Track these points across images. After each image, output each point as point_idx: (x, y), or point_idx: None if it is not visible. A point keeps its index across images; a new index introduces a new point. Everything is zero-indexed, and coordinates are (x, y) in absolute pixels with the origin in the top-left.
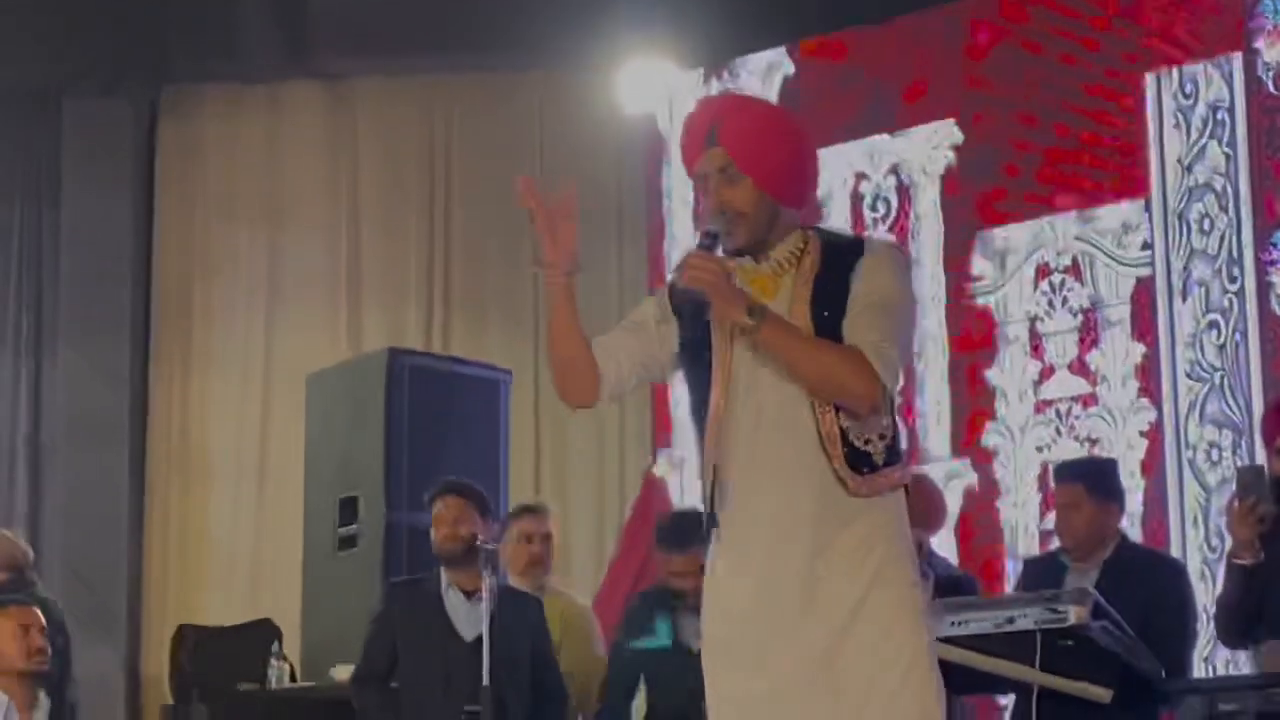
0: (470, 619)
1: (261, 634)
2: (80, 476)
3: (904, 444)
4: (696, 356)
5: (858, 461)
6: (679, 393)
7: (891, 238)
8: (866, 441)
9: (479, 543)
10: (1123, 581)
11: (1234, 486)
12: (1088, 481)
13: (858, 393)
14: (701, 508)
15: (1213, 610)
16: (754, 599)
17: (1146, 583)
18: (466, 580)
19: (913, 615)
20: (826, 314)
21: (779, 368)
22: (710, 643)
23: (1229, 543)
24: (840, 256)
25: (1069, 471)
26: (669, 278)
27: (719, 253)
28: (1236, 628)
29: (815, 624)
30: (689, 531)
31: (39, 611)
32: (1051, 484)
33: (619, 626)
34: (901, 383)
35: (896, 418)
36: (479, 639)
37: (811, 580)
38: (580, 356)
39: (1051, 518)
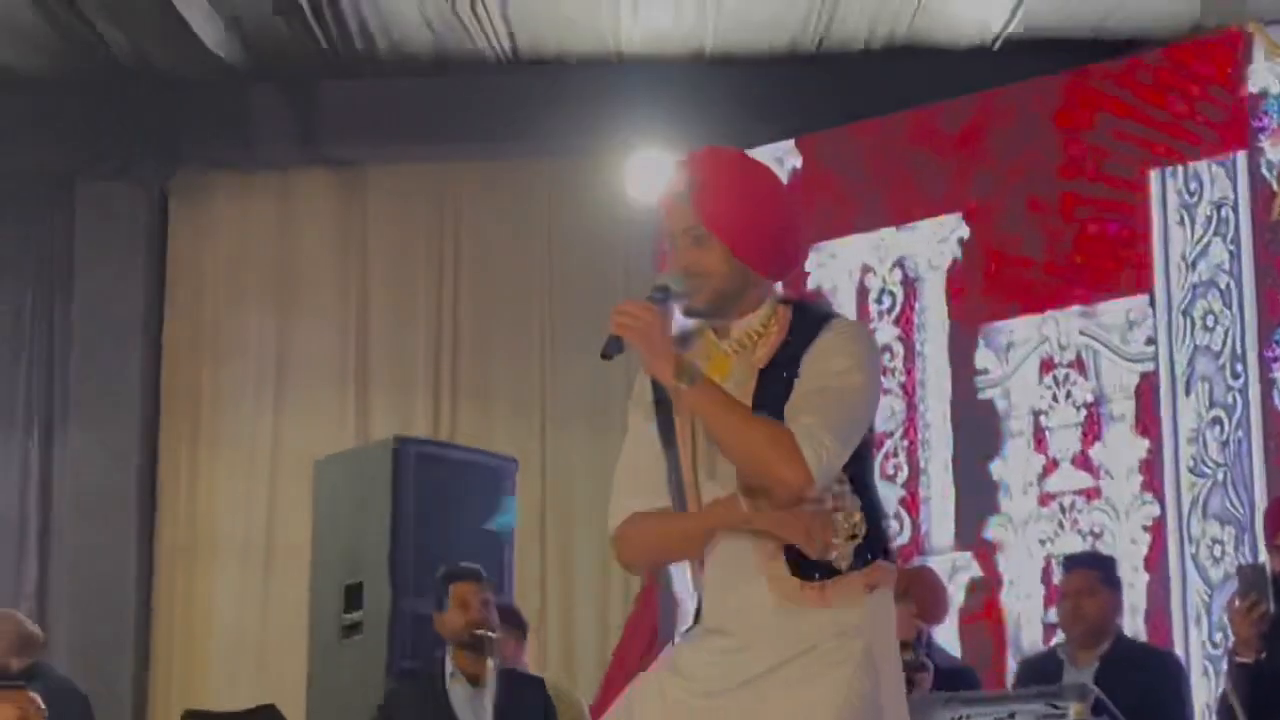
0: (475, 708)
1: (266, 719)
2: (87, 557)
3: (888, 541)
4: (666, 439)
5: (809, 569)
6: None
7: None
8: (825, 548)
9: (490, 629)
10: (1121, 676)
11: (1235, 584)
12: (1101, 570)
13: (782, 477)
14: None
15: (1215, 707)
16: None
17: (1144, 678)
18: (471, 666)
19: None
20: (771, 394)
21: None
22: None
23: (1231, 639)
24: (803, 333)
25: (1082, 560)
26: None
27: (672, 311)
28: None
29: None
30: None
31: (38, 697)
32: (1058, 575)
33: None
34: (902, 462)
35: (874, 513)
36: None
37: (762, 672)
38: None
39: (1055, 610)
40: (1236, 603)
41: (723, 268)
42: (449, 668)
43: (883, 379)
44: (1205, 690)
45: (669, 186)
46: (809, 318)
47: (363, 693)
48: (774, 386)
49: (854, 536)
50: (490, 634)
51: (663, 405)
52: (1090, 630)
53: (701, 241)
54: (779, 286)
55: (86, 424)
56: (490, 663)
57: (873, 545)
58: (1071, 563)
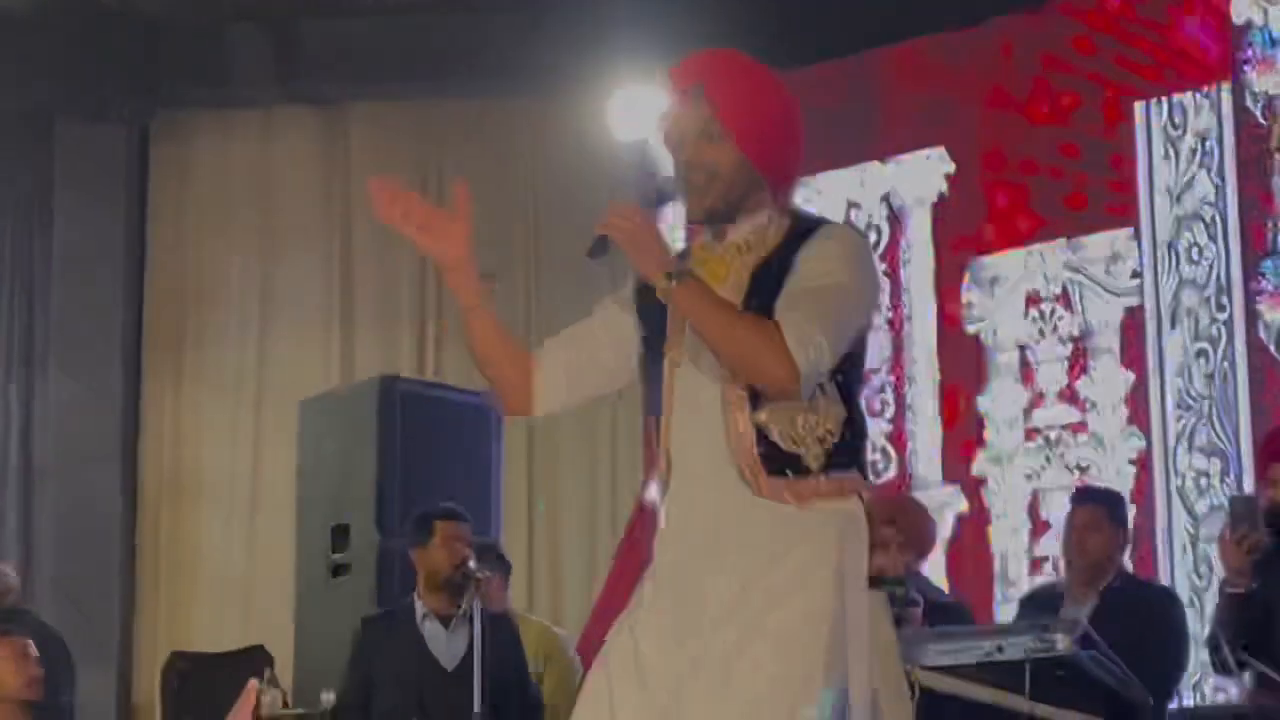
0: (450, 647)
1: (253, 661)
2: (72, 499)
3: (863, 455)
4: (653, 352)
5: (778, 464)
6: None
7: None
8: (795, 443)
9: (473, 569)
10: (1120, 610)
11: (1225, 516)
12: (1109, 506)
13: (770, 373)
14: None
15: (1205, 638)
16: (660, 604)
17: (1142, 611)
18: (443, 607)
19: (812, 642)
20: (763, 293)
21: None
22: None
23: (1217, 571)
24: (797, 237)
25: (1091, 495)
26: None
27: (669, 212)
28: (1228, 656)
29: (704, 650)
30: None
31: (32, 642)
32: (1044, 507)
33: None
34: (889, 397)
35: (853, 424)
36: (459, 668)
37: (711, 608)
38: (506, 375)
39: (1042, 543)
40: (1227, 534)
41: (732, 166)
42: (419, 608)
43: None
44: (1191, 620)
45: (674, 84)
46: (805, 223)
47: (350, 633)
48: (767, 286)
49: (823, 440)
50: (478, 573)
51: (651, 305)
52: (1092, 565)
53: (715, 138)
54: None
55: (69, 365)
56: (463, 602)
57: (846, 454)
58: (1080, 497)
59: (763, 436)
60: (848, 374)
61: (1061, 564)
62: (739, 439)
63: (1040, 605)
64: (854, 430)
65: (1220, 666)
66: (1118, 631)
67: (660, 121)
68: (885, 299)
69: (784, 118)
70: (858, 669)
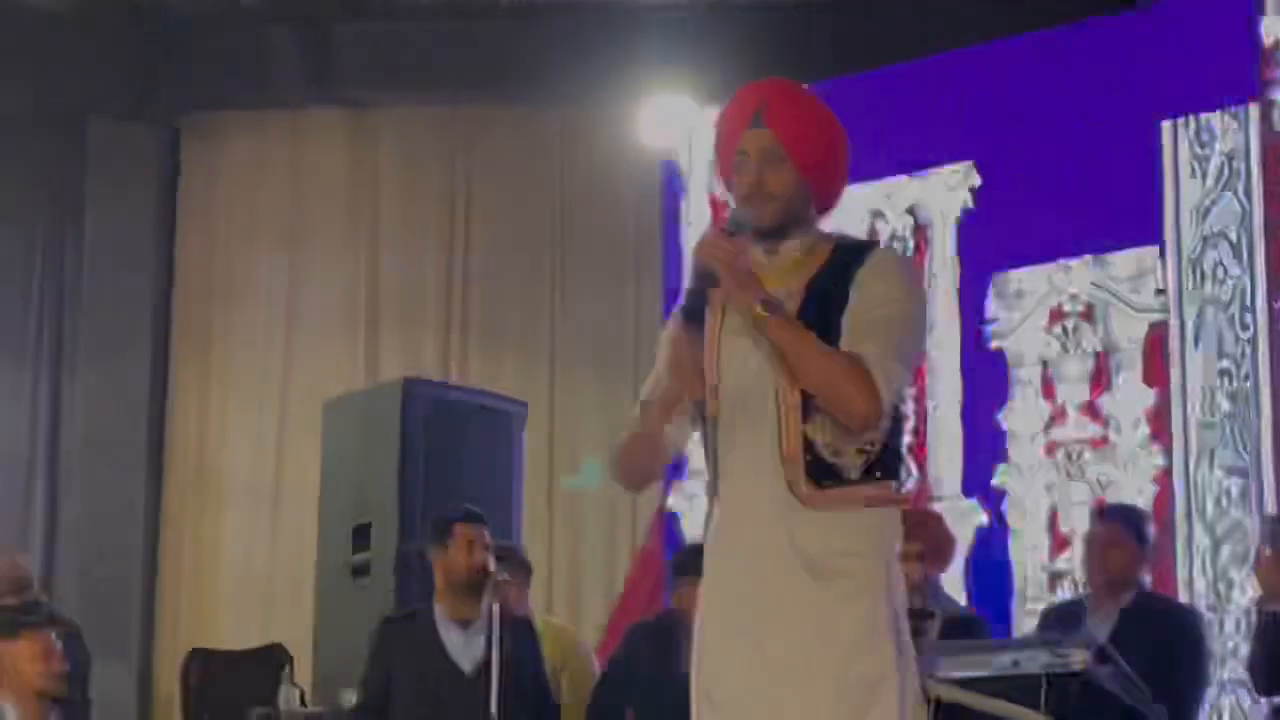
0: (468, 650)
1: (273, 659)
2: (96, 496)
3: (901, 466)
4: (694, 343)
5: (820, 473)
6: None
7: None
8: (836, 454)
9: (492, 572)
10: (1142, 627)
11: (1263, 534)
12: (1131, 522)
13: (856, 406)
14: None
15: (1245, 658)
16: (719, 610)
17: (1164, 629)
18: (463, 610)
19: (873, 634)
20: (816, 310)
21: (768, 366)
22: (700, 624)
23: (1237, 589)
24: (847, 259)
25: (1113, 511)
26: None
27: (748, 241)
28: (1266, 675)
29: (775, 626)
30: (699, 564)
31: (54, 636)
32: (1064, 525)
33: (614, 653)
34: (909, 410)
35: (893, 436)
36: (477, 670)
37: (779, 591)
38: (656, 466)
39: (1062, 559)
40: (1265, 553)
41: (792, 189)
42: (439, 610)
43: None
44: (1211, 639)
45: (736, 111)
46: (851, 244)
47: (370, 633)
48: (821, 302)
49: (864, 452)
50: (497, 576)
51: (693, 319)
52: (1112, 582)
53: (777, 163)
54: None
55: (97, 363)
56: (482, 605)
57: (883, 465)
58: (1102, 514)
59: (809, 447)
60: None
61: (1082, 580)
62: (789, 450)
63: (1061, 621)
64: (894, 442)
65: (1262, 688)
66: (1139, 648)
67: (719, 144)
68: None
69: (838, 146)
70: (911, 675)
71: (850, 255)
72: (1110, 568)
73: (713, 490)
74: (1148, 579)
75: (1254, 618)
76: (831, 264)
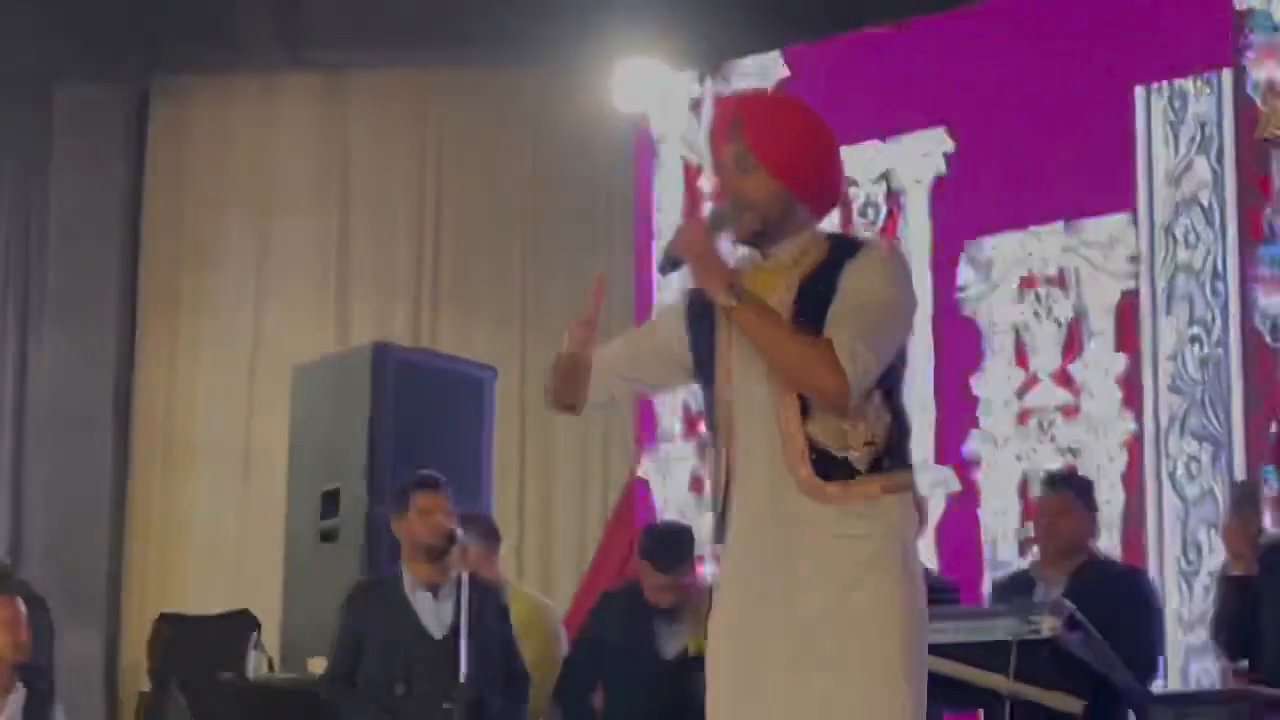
0: (438, 616)
1: (241, 624)
2: (63, 461)
3: (908, 454)
4: (705, 352)
5: (830, 469)
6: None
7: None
8: (845, 448)
9: (458, 538)
10: (1090, 594)
11: (1229, 501)
12: (1079, 491)
13: (823, 386)
14: (683, 520)
15: (1210, 622)
16: (741, 597)
17: (1113, 592)
18: (431, 576)
19: (887, 624)
20: (809, 308)
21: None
22: (712, 626)
23: (1204, 555)
24: (838, 257)
25: (1061, 480)
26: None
27: (724, 237)
28: (1235, 638)
29: (789, 623)
30: (676, 554)
31: (21, 603)
32: (1035, 492)
33: (583, 624)
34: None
35: (898, 426)
36: (448, 635)
37: (793, 583)
38: (574, 388)
39: (1032, 525)
40: (1232, 518)
41: (767, 194)
42: (406, 577)
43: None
44: (1179, 605)
45: (716, 120)
46: (845, 242)
47: (338, 599)
48: (812, 301)
49: (870, 443)
50: (455, 541)
51: (701, 319)
52: (1062, 549)
53: (748, 169)
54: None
55: (64, 328)
56: (451, 570)
57: (892, 454)
58: (1050, 482)
59: (813, 444)
60: (892, 383)
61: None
62: (792, 446)
63: (1012, 590)
64: (899, 434)
65: (1227, 651)
66: (1090, 613)
67: (711, 154)
68: None
69: (815, 147)
70: (923, 652)
71: (842, 253)
72: (1060, 535)
73: (723, 492)
74: (1116, 547)
75: (1219, 582)
76: (824, 263)
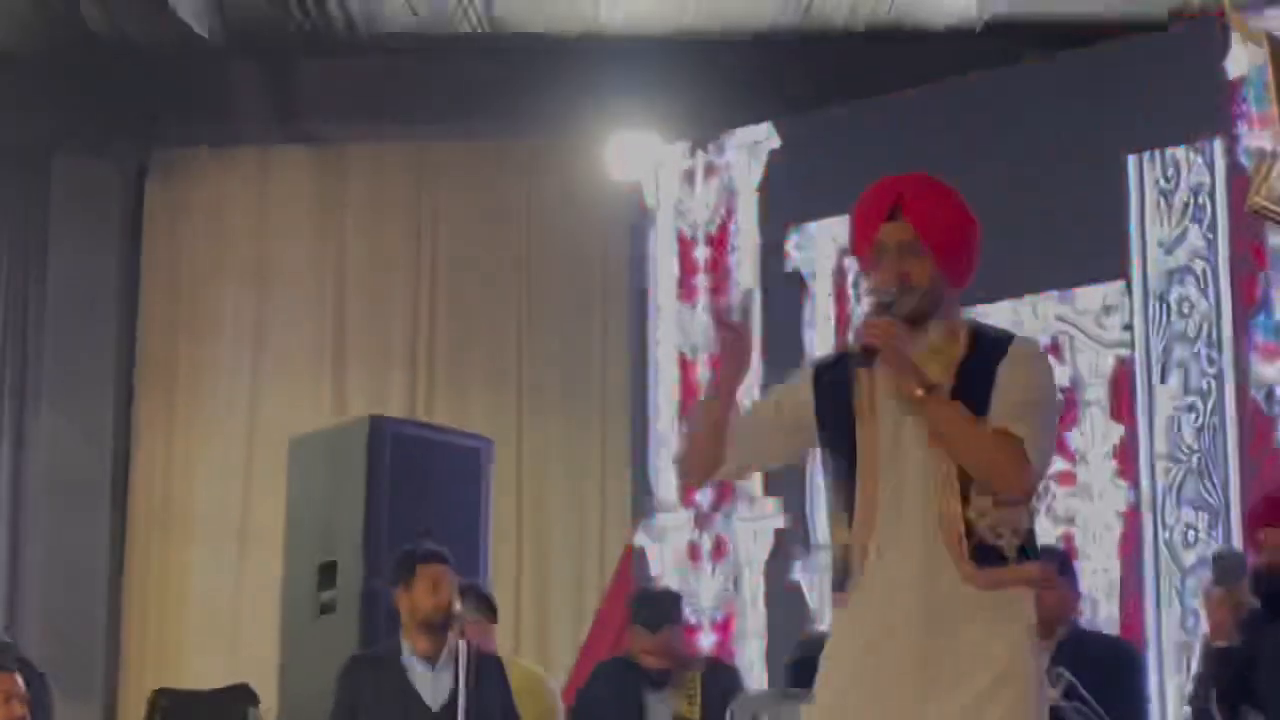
0: (436, 687)
1: (239, 698)
2: (60, 535)
3: (1035, 543)
4: (839, 438)
5: (983, 555)
6: (663, 464)
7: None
8: (998, 535)
9: (456, 611)
10: (1076, 664)
11: (1211, 571)
12: (1058, 563)
13: (1010, 479)
14: (674, 588)
15: (1188, 691)
16: (872, 677)
17: (1100, 666)
18: (429, 647)
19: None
20: (968, 397)
21: (924, 448)
22: (825, 706)
23: (1203, 624)
24: (988, 348)
25: (1045, 554)
26: (811, 358)
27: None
28: (1209, 710)
29: (929, 710)
30: (663, 612)
31: (19, 678)
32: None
33: (579, 691)
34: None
35: (1033, 518)
36: (445, 707)
37: (928, 670)
38: (714, 451)
39: None
40: (1213, 590)
41: (929, 279)
42: (405, 648)
43: None
44: (1177, 674)
45: (872, 205)
46: (990, 332)
47: (336, 671)
48: (971, 391)
49: (1017, 533)
50: (463, 615)
51: (836, 386)
52: (1047, 621)
53: (916, 254)
54: None
55: (60, 401)
56: (450, 642)
57: (1030, 545)
58: None
59: (970, 526)
60: None
61: None
62: (950, 526)
63: None
64: (1033, 524)
65: (1199, 717)
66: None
67: (854, 233)
68: None
69: (972, 235)
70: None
71: (992, 345)
72: (1046, 608)
73: (850, 565)
74: (1114, 615)
75: (1200, 652)
76: (976, 351)
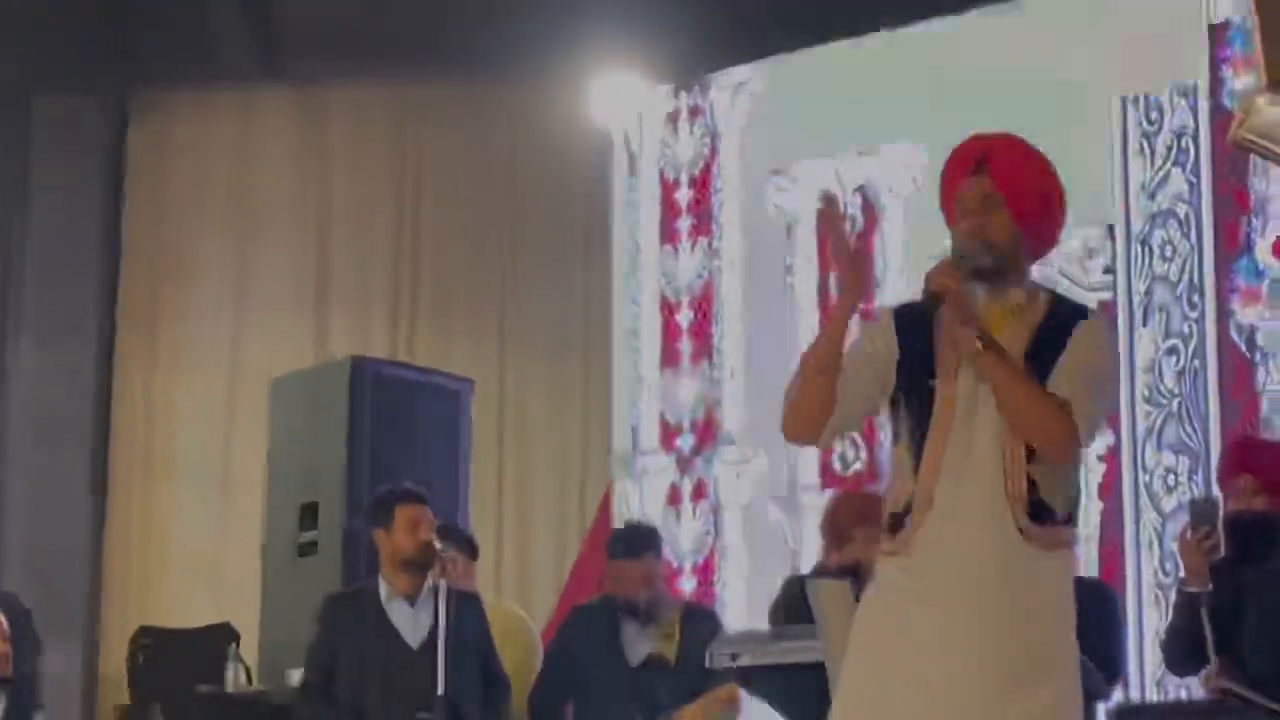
0: (415, 625)
1: (220, 637)
2: (42, 476)
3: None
4: (917, 384)
5: (1039, 511)
6: (643, 403)
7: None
8: (1051, 495)
9: (437, 550)
10: None
11: (1187, 515)
12: None
13: (1057, 438)
14: (649, 522)
15: (1163, 635)
16: (937, 628)
17: (1078, 609)
18: (409, 587)
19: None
20: (1039, 363)
21: (992, 405)
22: (867, 649)
23: (1181, 569)
24: (1064, 317)
25: None
26: (888, 304)
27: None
28: (1184, 655)
29: (985, 666)
30: (643, 540)
31: (2, 615)
32: None
33: (553, 640)
34: None
35: (1078, 486)
36: (425, 645)
37: (989, 625)
38: (825, 398)
39: None
40: (1188, 534)
41: (1008, 235)
42: (383, 588)
43: None
44: (1155, 617)
45: (959, 159)
46: (1070, 305)
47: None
48: (1044, 356)
49: (1069, 494)
50: (442, 553)
51: (917, 326)
52: None
53: (994, 209)
54: None
55: (42, 340)
56: (428, 581)
57: (1076, 511)
58: None
59: (1033, 485)
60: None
61: None
62: (1016, 484)
63: None
64: (1079, 493)
65: (1174, 666)
66: None
67: (943, 188)
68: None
69: (1054, 198)
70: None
71: (1072, 313)
72: None
73: (910, 513)
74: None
75: (1175, 597)
76: (1053, 316)
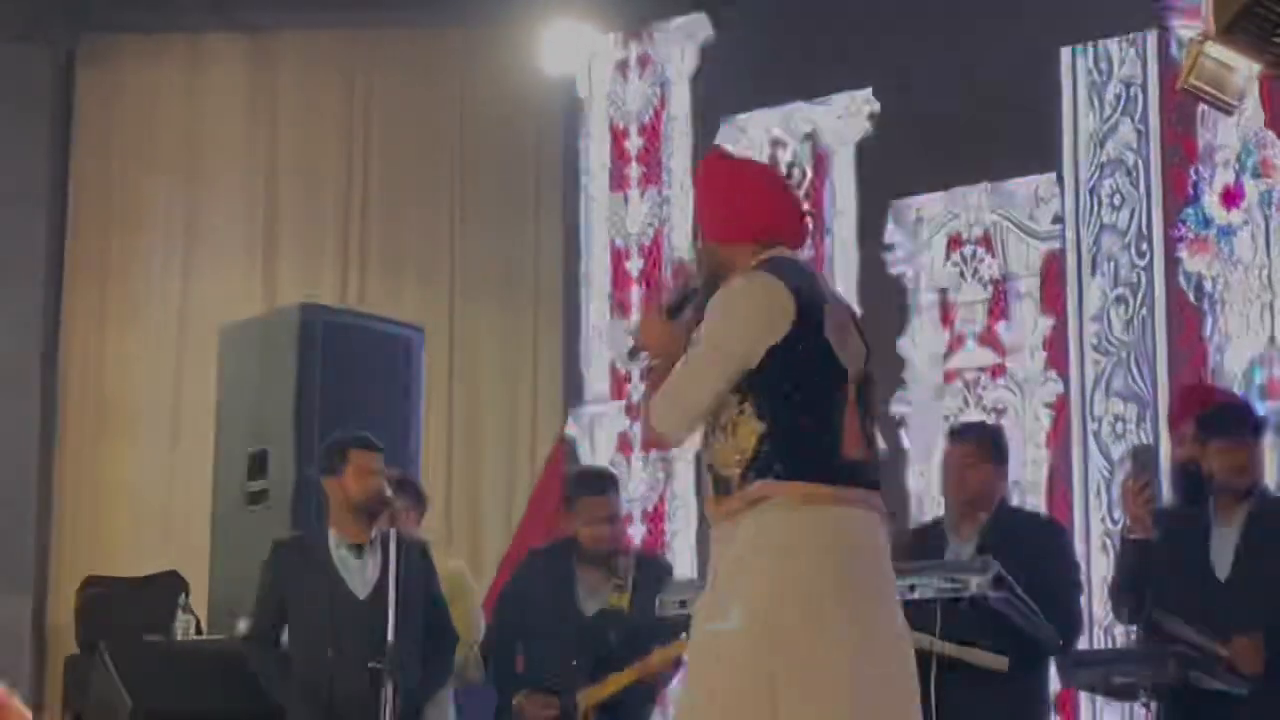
0: (363, 575)
1: (168, 586)
2: None
3: (785, 458)
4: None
5: (718, 487)
6: (596, 352)
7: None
8: (724, 466)
9: (388, 498)
10: (1003, 544)
11: (1128, 464)
12: (987, 441)
13: (645, 436)
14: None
15: (1110, 583)
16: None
17: (1025, 542)
18: (356, 535)
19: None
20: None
21: None
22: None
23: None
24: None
25: (968, 431)
26: None
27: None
28: (1128, 602)
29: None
30: (606, 480)
31: None
32: (945, 444)
33: (505, 585)
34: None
35: (773, 435)
36: (372, 595)
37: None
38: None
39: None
40: (1130, 483)
41: (706, 253)
42: (332, 536)
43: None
44: (1104, 565)
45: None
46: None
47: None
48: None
49: (740, 460)
50: (393, 502)
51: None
52: (971, 501)
53: (699, 237)
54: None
55: None
56: (391, 530)
57: (761, 466)
58: (956, 435)
59: (710, 468)
60: (760, 393)
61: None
62: (702, 473)
63: (923, 543)
64: (774, 441)
65: (1125, 615)
66: (1005, 564)
67: None
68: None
69: (722, 191)
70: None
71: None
72: (968, 487)
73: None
74: (1009, 496)
75: (1118, 544)
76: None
